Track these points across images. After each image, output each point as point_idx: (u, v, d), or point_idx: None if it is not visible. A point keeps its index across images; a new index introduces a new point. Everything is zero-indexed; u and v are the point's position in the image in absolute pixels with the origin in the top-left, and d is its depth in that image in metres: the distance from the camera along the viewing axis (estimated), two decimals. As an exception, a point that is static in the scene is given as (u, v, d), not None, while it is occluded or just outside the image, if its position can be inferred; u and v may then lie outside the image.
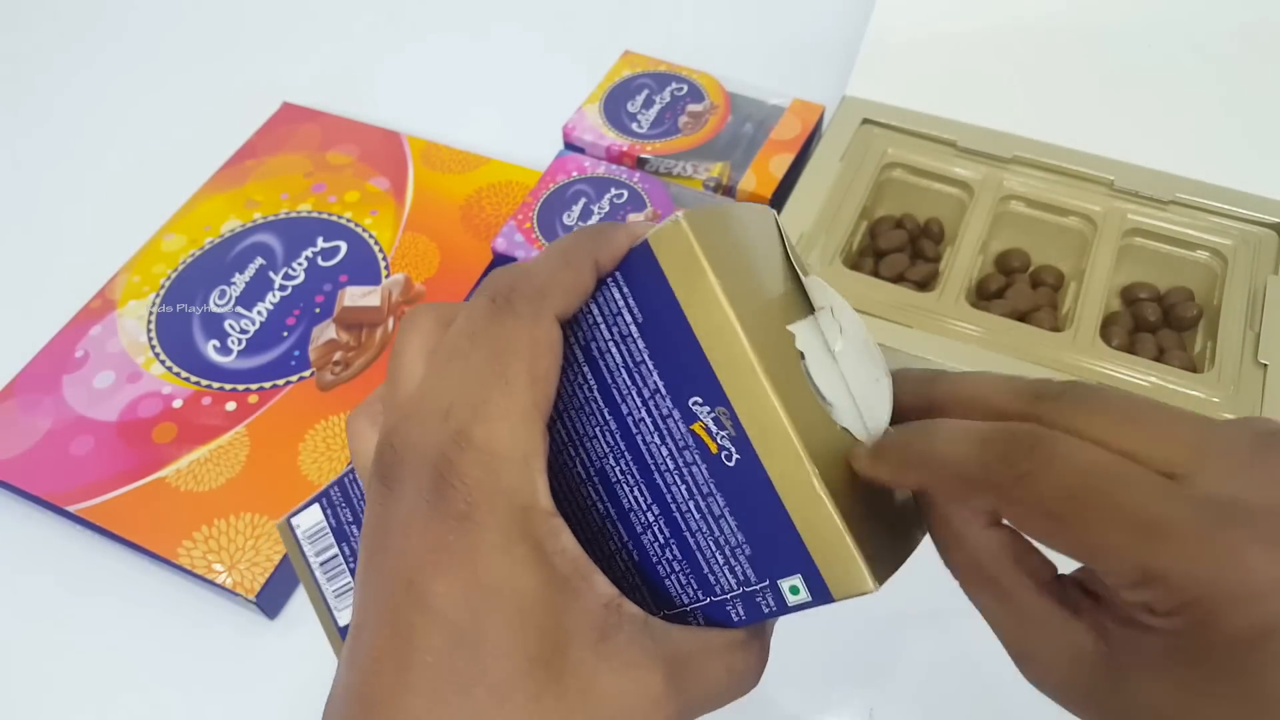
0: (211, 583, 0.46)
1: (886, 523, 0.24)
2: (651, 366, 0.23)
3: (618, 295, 0.23)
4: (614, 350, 0.24)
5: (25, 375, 0.53)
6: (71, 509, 0.48)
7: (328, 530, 0.31)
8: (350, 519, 0.30)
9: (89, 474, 0.49)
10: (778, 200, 0.58)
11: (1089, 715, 0.21)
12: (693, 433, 0.23)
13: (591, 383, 0.24)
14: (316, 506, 0.31)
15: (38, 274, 0.63)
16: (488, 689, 0.20)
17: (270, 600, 0.46)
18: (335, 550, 0.30)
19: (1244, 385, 0.47)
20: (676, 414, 0.23)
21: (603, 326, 0.24)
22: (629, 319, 0.23)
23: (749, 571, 0.23)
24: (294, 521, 0.31)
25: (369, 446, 0.25)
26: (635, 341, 0.23)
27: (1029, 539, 0.22)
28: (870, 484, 0.23)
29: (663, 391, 0.23)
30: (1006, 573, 0.22)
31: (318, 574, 0.31)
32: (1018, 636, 0.22)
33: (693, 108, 0.64)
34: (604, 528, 0.25)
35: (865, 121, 0.59)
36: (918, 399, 0.24)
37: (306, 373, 0.53)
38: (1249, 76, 0.56)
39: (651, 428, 0.23)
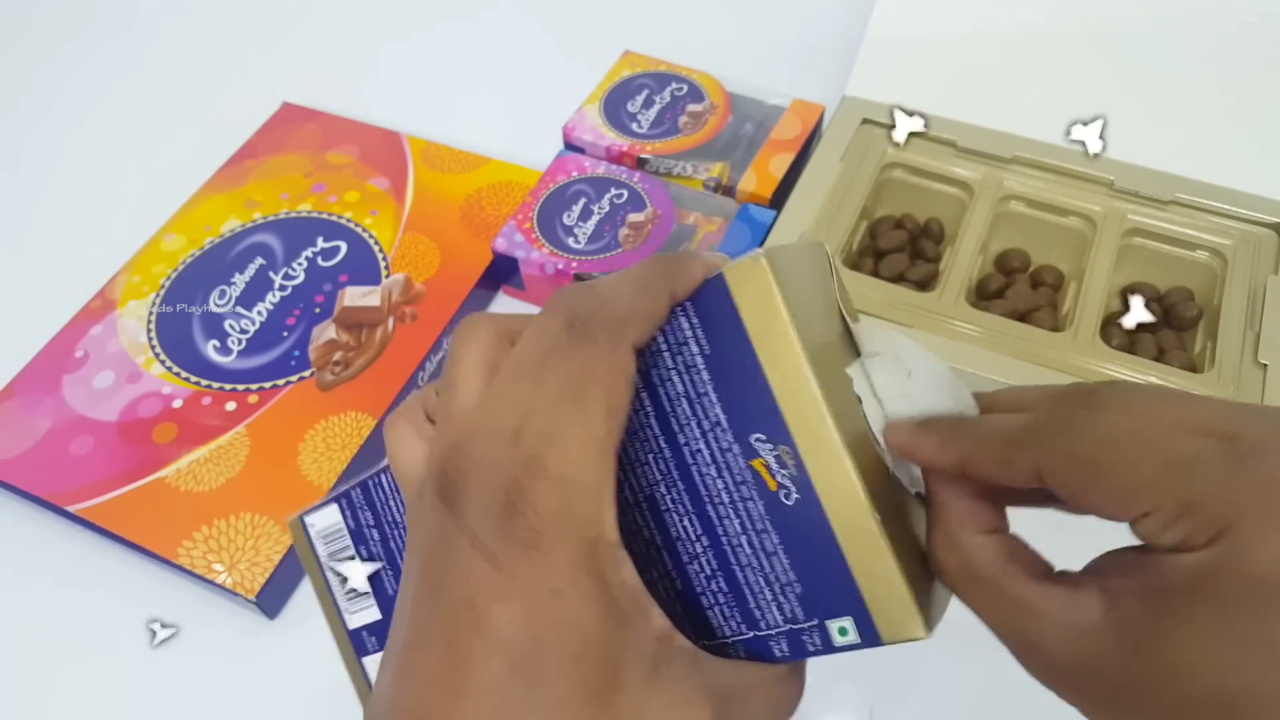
0: (212, 583, 0.46)
1: (925, 563, 0.24)
2: (715, 399, 0.23)
3: (686, 326, 0.23)
4: (676, 379, 0.24)
5: (25, 375, 0.53)
6: (71, 509, 0.48)
7: (345, 532, 0.30)
8: (371, 522, 0.30)
9: (89, 474, 0.49)
10: (778, 200, 0.58)
11: (1097, 696, 0.21)
12: (752, 468, 0.23)
13: (649, 409, 0.24)
14: (334, 507, 0.30)
15: (38, 274, 0.63)
16: (542, 717, 0.20)
17: (270, 600, 0.46)
18: (352, 552, 0.30)
19: (1244, 385, 0.47)
20: (737, 448, 0.23)
21: (666, 355, 0.24)
22: (695, 349, 0.23)
23: (798, 610, 0.23)
24: (308, 520, 0.31)
25: (413, 453, 0.24)
26: (700, 373, 0.23)
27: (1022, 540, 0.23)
28: (917, 524, 0.24)
29: (724, 425, 0.23)
30: (1003, 569, 0.22)
31: (330, 575, 0.31)
32: (1020, 628, 0.22)
33: (693, 108, 0.64)
34: (649, 553, 0.25)
35: (865, 121, 0.59)
36: None
37: (306, 373, 0.53)
38: (1249, 77, 0.56)
39: (708, 459, 0.24)
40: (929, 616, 0.22)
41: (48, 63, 0.78)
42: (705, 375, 0.23)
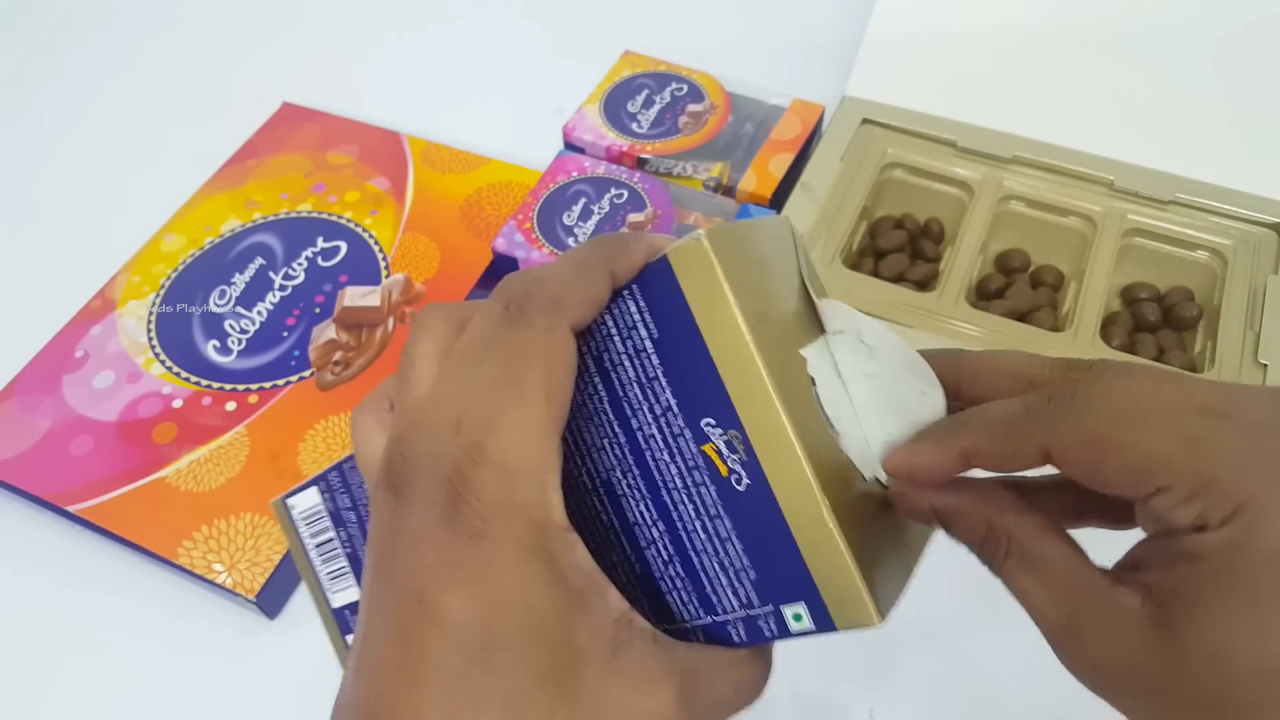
0: (212, 583, 0.46)
1: (886, 552, 0.24)
2: (665, 384, 0.23)
3: (634, 309, 0.23)
4: (627, 364, 0.23)
5: (25, 375, 0.53)
6: (71, 509, 0.48)
7: (324, 514, 0.30)
8: (348, 505, 0.30)
9: (89, 474, 0.49)
10: (778, 200, 0.58)
11: (1138, 693, 0.20)
12: (703, 453, 0.23)
13: (602, 394, 0.24)
14: (314, 489, 0.30)
15: (38, 274, 0.63)
16: (500, 704, 0.20)
17: (270, 600, 0.46)
18: (332, 534, 0.30)
19: (1244, 385, 0.47)
20: (688, 433, 0.23)
21: (616, 339, 0.24)
22: (644, 334, 0.23)
23: (752, 595, 0.23)
24: (290, 502, 0.31)
25: (374, 446, 0.24)
26: (650, 357, 0.23)
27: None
28: (873, 509, 0.23)
29: (675, 410, 0.23)
30: (1052, 545, 0.22)
31: (312, 555, 0.31)
32: (1065, 610, 0.21)
33: (693, 108, 0.64)
34: (608, 538, 0.25)
35: (865, 121, 0.59)
36: (944, 377, 0.24)
37: (306, 373, 0.53)
38: (1248, 77, 0.56)
39: (661, 444, 0.23)
40: (882, 604, 0.22)
41: (47, 63, 0.78)
42: (655, 359, 0.23)
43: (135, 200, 0.64)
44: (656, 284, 0.23)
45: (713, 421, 0.22)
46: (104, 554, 0.49)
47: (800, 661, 0.27)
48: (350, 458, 0.29)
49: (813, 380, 0.23)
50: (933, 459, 0.23)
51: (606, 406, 0.24)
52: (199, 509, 0.48)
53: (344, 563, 0.30)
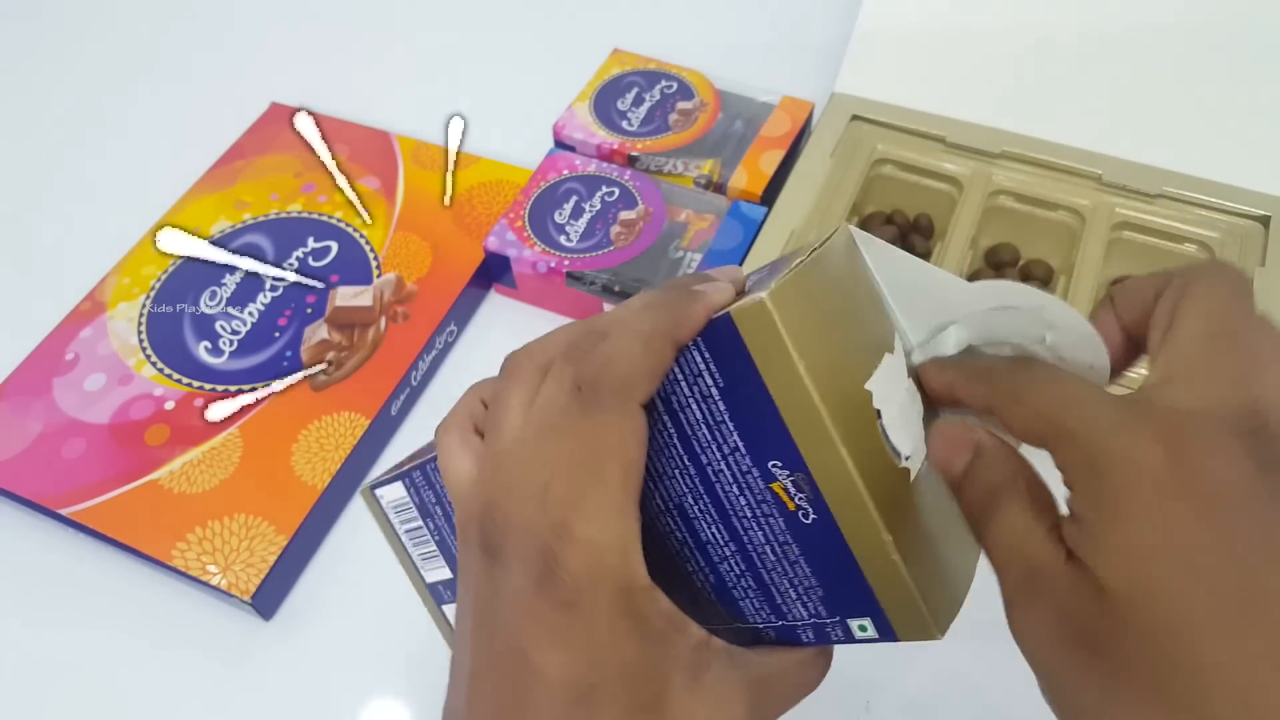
0: (206, 584, 0.45)
1: (949, 561, 0.25)
2: (732, 427, 0.24)
3: (699, 359, 0.24)
4: (694, 406, 0.24)
5: (15, 378, 0.53)
6: (64, 512, 0.48)
7: (411, 505, 0.33)
8: (434, 500, 0.32)
9: (81, 477, 0.49)
10: (768, 197, 0.58)
11: (1075, 657, 0.21)
12: (771, 490, 0.24)
13: (671, 430, 0.25)
14: (400, 484, 0.32)
15: (26, 276, 0.62)
16: None
17: (265, 601, 0.46)
18: (419, 523, 0.33)
19: (1232, 376, 0.47)
20: (756, 472, 0.24)
21: (684, 384, 0.24)
22: (710, 382, 0.24)
23: (820, 608, 0.25)
24: (378, 492, 0.33)
25: (461, 468, 0.27)
26: (716, 403, 0.24)
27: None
28: (938, 522, 0.25)
29: (742, 450, 0.24)
30: (1014, 502, 0.23)
31: (404, 539, 0.34)
32: (1013, 572, 0.22)
33: (683, 105, 0.64)
34: (683, 552, 0.26)
35: (854, 118, 0.60)
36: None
37: (299, 373, 0.52)
38: (1235, 71, 0.56)
39: (730, 480, 0.24)
40: (941, 619, 0.24)
41: (34, 65, 0.77)
42: (721, 405, 0.24)
43: (124, 202, 0.64)
44: (721, 339, 0.24)
45: (780, 464, 0.23)
46: (97, 557, 0.49)
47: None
48: (433, 459, 0.31)
49: (878, 413, 0.24)
50: (932, 380, 0.26)
51: (676, 442, 0.25)
52: (193, 511, 0.47)
53: (433, 548, 0.33)
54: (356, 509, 0.51)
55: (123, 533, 0.47)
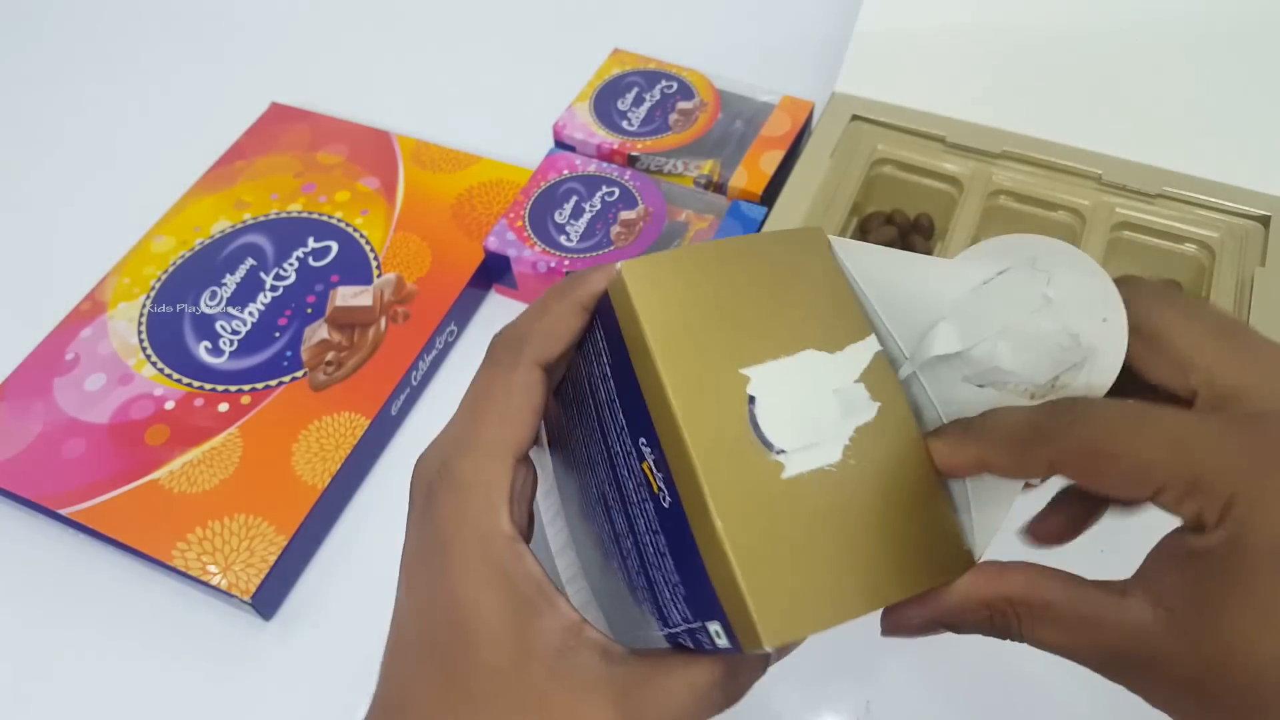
0: (206, 584, 0.45)
1: (822, 580, 0.22)
2: (619, 405, 0.24)
3: (599, 337, 0.24)
4: (600, 386, 0.25)
5: (15, 378, 0.53)
6: (64, 512, 0.48)
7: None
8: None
9: (81, 477, 0.49)
10: (769, 197, 0.58)
11: (1168, 693, 0.21)
12: (642, 470, 0.23)
13: (592, 413, 0.25)
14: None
15: (27, 276, 0.62)
16: (441, 692, 0.23)
17: (266, 601, 0.46)
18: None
19: (1232, 376, 0.47)
20: (635, 452, 0.23)
21: (592, 363, 0.25)
22: (605, 360, 0.24)
23: (686, 611, 0.23)
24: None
25: None
26: (608, 380, 0.24)
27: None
28: (786, 531, 0.23)
29: (625, 429, 0.24)
30: (1051, 590, 0.22)
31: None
32: (1087, 643, 0.22)
33: (683, 105, 0.64)
34: (610, 547, 0.26)
35: (855, 118, 0.60)
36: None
37: (299, 373, 0.52)
38: (1235, 71, 0.56)
39: (623, 461, 0.24)
40: (773, 631, 0.21)
41: (33, 66, 0.77)
42: (611, 383, 0.24)
43: (124, 202, 0.64)
44: (606, 315, 0.24)
45: (645, 441, 0.23)
46: (97, 557, 0.49)
47: (796, 652, 0.27)
48: None
49: (751, 399, 0.23)
50: (946, 460, 0.24)
51: (596, 425, 0.25)
52: (193, 510, 0.47)
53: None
54: (356, 509, 0.51)
55: (123, 533, 0.47)
